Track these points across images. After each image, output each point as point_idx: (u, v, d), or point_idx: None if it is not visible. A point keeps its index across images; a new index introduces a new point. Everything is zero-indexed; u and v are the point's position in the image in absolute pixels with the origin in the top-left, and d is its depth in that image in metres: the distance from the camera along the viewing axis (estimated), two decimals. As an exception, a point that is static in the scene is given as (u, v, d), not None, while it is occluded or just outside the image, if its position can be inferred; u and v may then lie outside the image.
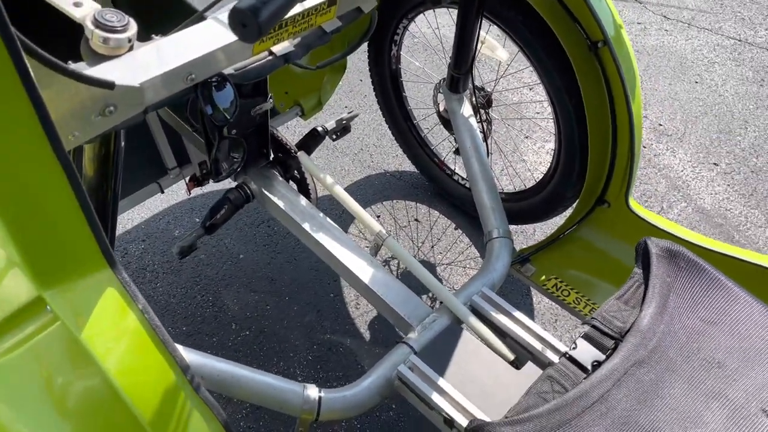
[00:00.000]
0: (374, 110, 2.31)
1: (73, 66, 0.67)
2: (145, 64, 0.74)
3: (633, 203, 1.42)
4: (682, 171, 2.19)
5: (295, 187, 1.50)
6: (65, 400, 0.75)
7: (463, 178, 1.95)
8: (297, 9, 0.83)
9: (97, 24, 0.71)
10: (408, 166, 2.13)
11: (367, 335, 1.70)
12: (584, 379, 0.94)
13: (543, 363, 1.17)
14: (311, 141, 1.48)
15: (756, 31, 2.83)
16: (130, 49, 0.74)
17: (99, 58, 0.73)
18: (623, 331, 0.99)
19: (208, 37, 0.78)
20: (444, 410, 1.10)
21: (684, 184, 2.14)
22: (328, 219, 1.40)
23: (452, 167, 1.98)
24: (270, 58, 0.91)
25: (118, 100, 0.71)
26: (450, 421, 1.09)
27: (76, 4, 0.74)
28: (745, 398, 0.90)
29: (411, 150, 2.02)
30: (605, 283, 1.47)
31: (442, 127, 1.81)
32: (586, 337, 1.01)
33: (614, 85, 1.33)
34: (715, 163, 2.21)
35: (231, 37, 0.79)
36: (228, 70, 0.87)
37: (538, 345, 1.20)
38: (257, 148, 1.44)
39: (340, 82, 1.91)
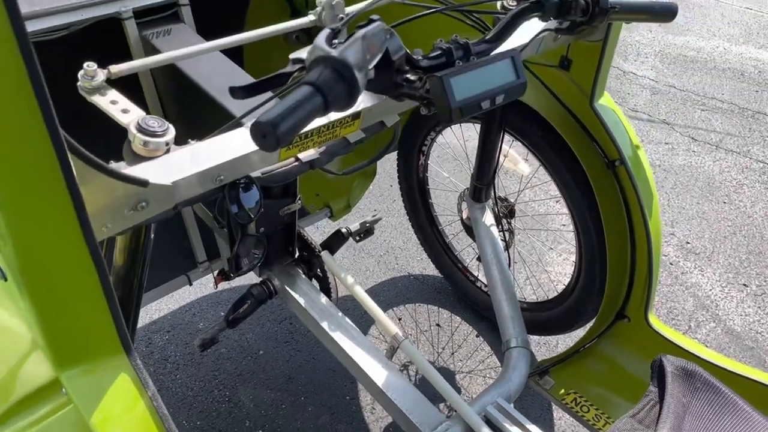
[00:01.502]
0: (402, 214, 2.38)
1: (112, 165, 0.74)
2: (178, 165, 0.80)
3: (653, 319, 1.41)
4: (710, 290, 2.16)
5: (317, 285, 1.53)
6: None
7: (485, 285, 1.96)
8: (322, 121, 0.90)
9: (140, 129, 0.79)
10: (432, 270, 2.15)
11: (380, 442, 1.66)
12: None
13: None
14: (335, 241, 1.53)
15: (785, 155, 2.86)
16: (167, 151, 0.81)
17: (138, 159, 0.80)
18: (636, 452, 0.96)
19: (238, 143, 0.85)
20: None
21: (712, 303, 2.10)
22: (347, 319, 1.42)
23: (475, 274, 2.00)
24: (296, 163, 0.98)
25: (150, 196, 0.77)
26: None
27: (124, 111, 0.83)
28: None
29: (435, 255, 2.06)
30: (625, 400, 1.43)
31: (466, 234, 1.85)
32: (598, 456, 0.98)
33: (632, 203, 1.37)
34: (744, 284, 2.18)
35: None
36: (255, 173, 0.93)
37: (551, 462, 1.17)
38: (283, 246, 1.50)
39: (370, 187, 1.99)
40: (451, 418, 1.27)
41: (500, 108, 1.40)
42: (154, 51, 1.24)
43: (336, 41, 0.72)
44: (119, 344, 0.76)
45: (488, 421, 1.27)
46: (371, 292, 1.44)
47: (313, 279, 1.55)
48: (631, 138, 1.36)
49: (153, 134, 0.79)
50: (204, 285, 2.07)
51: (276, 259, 1.52)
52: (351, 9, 1.02)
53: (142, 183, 0.75)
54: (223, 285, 1.91)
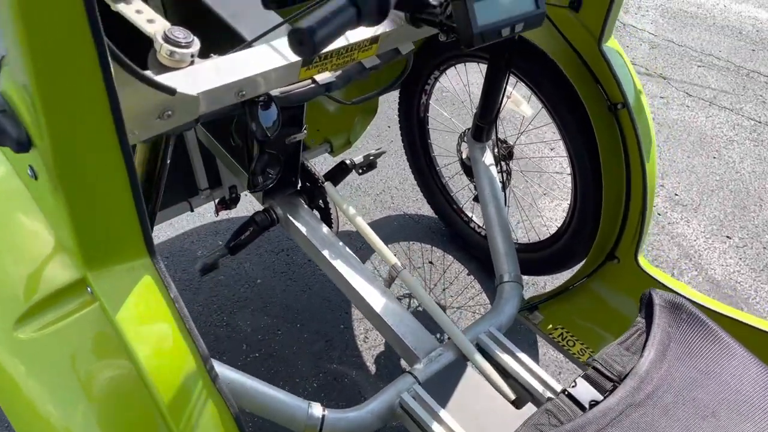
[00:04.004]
0: (399, 155, 2.40)
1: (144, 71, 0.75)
2: (203, 77, 0.82)
3: (642, 260, 1.47)
4: (695, 241, 2.23)
5: (318, 215, 1.57)
6: (93, 378, 0.81)
7: (479, 226, 2.01)
8: (342, 42, 0.92)
9: (167, 39, 0.80)
10: (427, 210, 2.19)
11: (372, 368, 1.73)
12: (580, 416, 0.97)
13: (542, 404, 1.20)
14: (338, 173, 1.55)
15: (776, 115, 2.91)
16: (191, 63, 0.83)
17: (163, 69, 0.81)
18: (622, 375, 1.03)
19: (260, 59, 0.86)
20: (442, 439, 1.13)
21: (696, 253, 2.18)
22: (347, 248, 1.46)
23: (470, 215, 2.04)
24: (312, 85, 1.00)
25: (176, 106, 0.79)
26: (447, 450, 1.12)
27: (150, 21, 0.84)
28: (737, 449, 0.93)
29: (431, 195, 2.10)
30: (610, 335, 1.50)
31: (462, 176, 1.88)
32: (586, 377, 1.05)
33: (630, 147, 1.40)
34: (728, 236, 2.25)
35: (281, 61, 0.88)
36: (274, 92, 0.95)
37: (539, 386, 1.24)
38: (287, 176, 1.52)
39: (370, 126, 2.00)
40: (444, 344, 1.33)
41: (508, 46, 1.42)
42: None
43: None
44: (144, 247, 0.79)
45: (480, 349, 1.33)
46: (351, 239, 1.48)
47: (315, 209, 1.59)
48: (635, 82, 1.39)
49: (179, 45, 0.80)
50: (203, 214, 2.09)
51: (279, 188, 1.54)
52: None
53: (171, 91, 0.77)
54: (223, 214, 1.94)
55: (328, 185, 1.52)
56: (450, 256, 2.07)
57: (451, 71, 1.83)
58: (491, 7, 0.83)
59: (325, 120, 1.95)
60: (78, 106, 0.64)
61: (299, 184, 1.56)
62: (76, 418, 0.78)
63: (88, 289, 0.80)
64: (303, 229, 1.49)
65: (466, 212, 2.05)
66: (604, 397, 1.00)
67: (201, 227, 2.07)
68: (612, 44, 1.38)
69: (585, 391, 1.03)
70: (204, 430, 0.80)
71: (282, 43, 0.88)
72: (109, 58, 0.63)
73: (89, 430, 0.78)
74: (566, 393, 1.03)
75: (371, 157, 1.58)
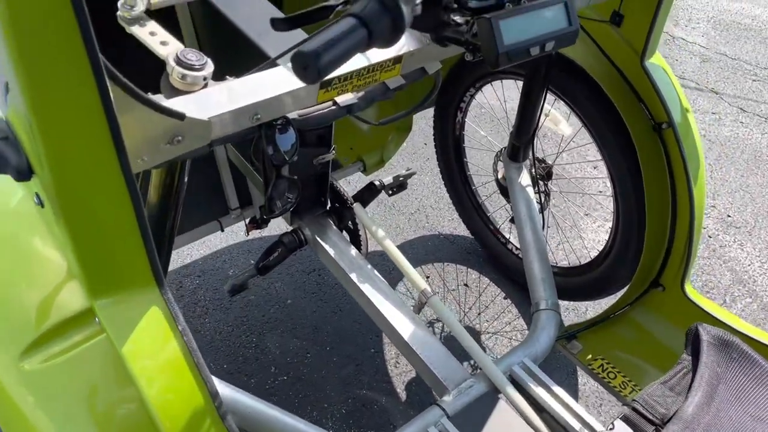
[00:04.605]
0: (434, 174, 2.35)
1: (150, 96, 0.73)
2: (215, 100, 0.79)
3: (689, 289, 1.38)
4: (749, 265, 2.10)
5: (347, 237, 1.53)
6: (97, 410, 0.78)
7: (516, 248, 1.93)
8: (363, 63, 0.87)
9: (179, 61, 0.78)
10: (462, 230, 2.13)
11: (403, 395, 1.67)
12: (618, 462, 0.90)
13: (579, 444, 1.13)
14: (367, 194, 1.51)
15: (838, 131, 2.74)
16: (205, 86, 0.80)
17: (175, 92, 0.79)
18: (666, 418, 0.95)
19: (276, 82, 0.83)
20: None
21: (750, 279, 2.05)
22: (376, 272, 1.42)
23: (507, 236, 1.97)
24: (333, 107, 0.96)
25: (186, 131, 0.76)
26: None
27: (163, 43, 0.81)
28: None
29: (467, 215, 2.03)
30: (654, 369, 1.41)
31: (499, 195, 1.82)
32: (625, 419, 0.97)
33: (676, 168, 1.32)
34: (785, 261, 2.12)
35: (298, 83, 0.84)
36: (292, 115, 0.91)
37: (576, 423, 1.16)
38: (316, 196, 1.49)
39: (405, 144, 1.96)
40: (475, 375, 1.27)
41: (545, 62, 1.36)
42: None
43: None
44: (152, 277, 0.76)
45: (513, 381, 1.26)
46: (401, 248, 1.43)
47: (344, 231, 1.55)
48: (681, 100, 1.31)
49: (191, 68, 0.78)
50: (235, 233, 2.08)
51: (308, 208, 1.51)
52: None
53: (179, 116, 0.74)
54: (254, 233, 1.92)
55: (357, 206, 1.48)
56: (486, 279, 2.00)
57: (487, 88, 1.77)
58: (519, 25, 0.78)
59: (358, 138, 1.92)
60: (77, 133, 0.62)
61: (328, 205, 1.53)
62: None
63: (96, 319, 0.78)
64: (331, 252, 1.45)
65: (504, 233, 1.98)
66: (645, 443, 0.92)
67: (234, 246, 2.06)
68: (657, 60, 1.31)
69: (624, 435, 0.95)
70: (212, 470, 0.76)
71: None
72: (108, 83, 0.60)
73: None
74: (603, 437, 0.96)
75: (401, 178, 1.54)
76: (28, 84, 0.58)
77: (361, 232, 1.54)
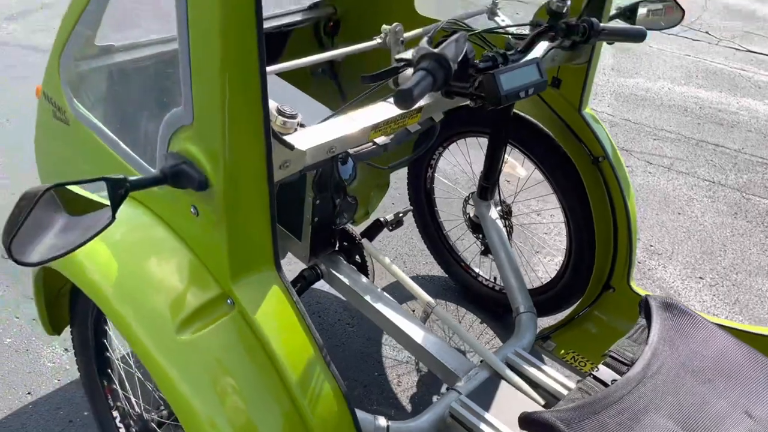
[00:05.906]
0: (405, 227, 2.69)
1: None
2: (308, 138, 1.11)
3: (634, 285, 1.75)
4: (673, 282, 2.52)
5: (355, 269, 1.82)
6: (237, 366, 1.03)
7: (486, 279, 2.27)
8: (395, 113, 1.22)
9: (280, 112, 1.10)
10: (437, 272, 2.46)
11: (408, 407, 1.93)
12: (606, 389, 1.21)
13: (570, 400, 1.43)
14: (374, 230, 1.83)
15: (726, 176, 3.32)
16: (296, 130, 1.12)
17: (278, 134, 1.10)
18: (634, 359, 1.28)
19: (343, 126, 1.16)
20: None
21: (676, 293, 2.47)
22: (385, 293, 1.71)
23: (477, 270, 2.31)
24: (374, 146, 1.30)
25: (292, 158, 1.08)
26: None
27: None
28: (732, 405, 1.17)
29: (440, 256, 2.37)
30: (616, 351, 1.75)
31: (466, 237, 2.16)
32: (605, 364, 1.29)
33: (614, 190, 1.72)
34: (700, 277, 2.56)
35: (356, 127, 1.18)
36: (351, 150, 1.24)
37: (564, 392, 1.47)
38: (327, 239, 1.79)
39: (394, 187, 2.28)
40: (479, 364, 1.56)
41: (508, 118, 1.76)
42: None
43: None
44: (273, 262, 1.05)
45: (510, 366, 1.57)
46: (385, 290, 1.75)
47: (352, 264, 1.84)
48: (610, 140, 1.73)
49: (290, 116, 1.10)
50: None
51: (321, 249, 1.81)
52: (411, 33, 1.37)
53: (290, 146, 1.06)
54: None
55: (365, 241, 1.79)
56: (463, 309, 2.32)
57: (453, 145, 2.16)
58: (511, 78, 1.16)
59: (347, 195, 2.25)
60: (247, 166, 0.93)
61: (337, 244, 1.83)
62: (226, 393, 1.00)
63: (228, 300, 1.05)
64: (346, 281, 1.74)
65: (474, 268, 2.32)
66: (622, 375, 1.25)
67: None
68: (589, 111, 1.73)
69: (606, 373, 1.27)
70: (323, 403, 1.03)
71: (359, 113, 1.19)
72: (271, 126, 0.92)
73: (233, 398, 1.00)
74: (592, 375, 1.27)
75: (400, 215, 1.87)
76: (225, 129, 0.89)
77: (368, 263, 1.84)
